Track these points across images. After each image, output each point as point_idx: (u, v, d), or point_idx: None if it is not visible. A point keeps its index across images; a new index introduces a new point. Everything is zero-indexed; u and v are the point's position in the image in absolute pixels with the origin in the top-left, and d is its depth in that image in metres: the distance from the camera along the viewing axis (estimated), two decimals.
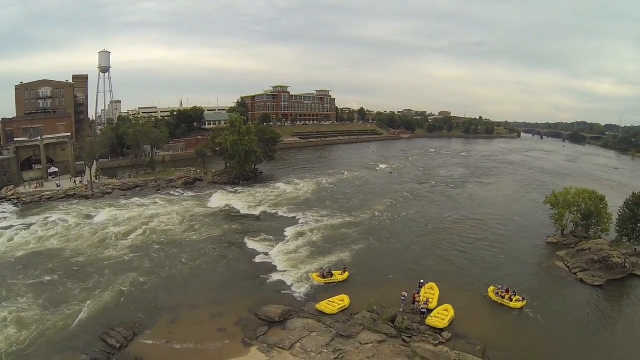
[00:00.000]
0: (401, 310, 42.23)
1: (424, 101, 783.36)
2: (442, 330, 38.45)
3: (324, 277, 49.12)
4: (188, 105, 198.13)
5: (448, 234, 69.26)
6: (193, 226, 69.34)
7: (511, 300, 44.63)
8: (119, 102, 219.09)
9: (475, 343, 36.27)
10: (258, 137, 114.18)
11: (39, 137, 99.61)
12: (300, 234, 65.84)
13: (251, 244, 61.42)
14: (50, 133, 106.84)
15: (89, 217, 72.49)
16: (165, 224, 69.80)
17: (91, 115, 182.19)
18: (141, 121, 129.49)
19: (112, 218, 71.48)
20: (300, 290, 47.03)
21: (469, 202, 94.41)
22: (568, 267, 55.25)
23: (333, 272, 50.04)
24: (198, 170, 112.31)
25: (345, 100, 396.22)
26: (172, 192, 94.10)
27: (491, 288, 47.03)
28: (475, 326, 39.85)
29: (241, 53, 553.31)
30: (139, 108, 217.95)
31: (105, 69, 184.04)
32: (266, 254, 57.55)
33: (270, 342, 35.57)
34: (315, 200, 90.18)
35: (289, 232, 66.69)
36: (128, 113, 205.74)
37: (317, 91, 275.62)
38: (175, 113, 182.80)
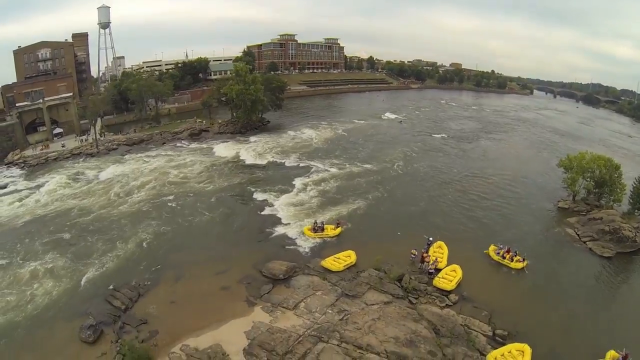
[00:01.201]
0: (409, 269, 41.70)
1: (434, 52, 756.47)
2: (449, 292, 37.94)
3: (315, 231, 48.36)
4: (193, 57, 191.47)
5: (457, 190, 67.87)
6: (198, 178, 68.48)
7: (512, 260, 44.17)
8: (123, 57, 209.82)
9: (482, 307, 35.84)
10: (264, 85, 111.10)
11: (41, 100, 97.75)
12: (308, 185, 65.15)
13: (257, 195, 60.79)
14: (52, 95, 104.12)
15: (95, 174, 71.58)
16: (170, 177, 68.93)
17: (94, 73, 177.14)
18: (144, 75, 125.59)
19: (117, 174, 70.61)
20: (305, 245, 46.53)
21: (481, 158, 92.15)
22: (578, 234, 53.87)
23: (325, 226, 49.31)
24: (204, 122, 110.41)
25: (354, 50, 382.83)
26: (178, 145, 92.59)
27: (492, 247, 46.32)
28: (481, 288, 39.24)
29: (247, 2, 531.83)
30: (143, 62, 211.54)
31: (105, 25, 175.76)
32: (272, 205, 57.00)
33: (274, 301, 35.12)
34: (324, 150, 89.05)
35: (297, 182, 66.05)
36: (132, 68, 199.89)
37: (325, 39, 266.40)
38: (179, 65, 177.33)
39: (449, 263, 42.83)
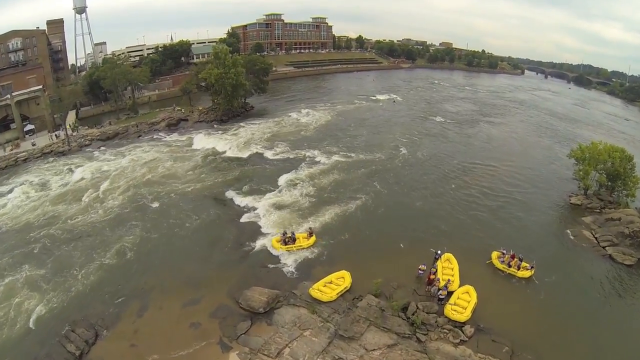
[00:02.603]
0: (415, 290, 35.88)
1: (423, 31, 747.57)
2: (463, 324, 31.77)
3: (285, 243, 41.90)
4: (178, 40, 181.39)
5: (460, 185, 61.51)
6: (173, 178, 61.20)
7: (518, 268, 39.26)
8: (104, 43, 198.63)
9: (502, 342, 30.24)
10: (247, 68, 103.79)
11: (8, 95, 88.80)
12: (294, 183, 58.23)
13: (236, 197, 53.58)
14: (21, 88, 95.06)
15: (63, 177, 64.01)
16: (142, 177, 61.76)
17: (73, 61, 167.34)
18: (119, 62, 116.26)
19: (87, 176, 63.38)
20: (289, 263, 39.89)
21: (482, 145, 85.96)
22: (595, 237, 48.04)
23: (296, 236, 42.97)
24: (182, 110, 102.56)
25: (342, 29, 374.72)
26: (154, 137, 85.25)
27: (495, 253, 41.58)
28: (497, 312, 33.65)
29: None
30: (125, 47, 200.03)
31: (81, 10, 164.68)
32: (253, 210, 50.06)
33: (253, 344, 28.73)
34: (313, 139, 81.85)
35: (282, 180, 59.19)
36: (114, 54, 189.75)
37: (312, 18, 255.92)
38: (160, 49, 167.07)
39: (460, 281, 36.98)
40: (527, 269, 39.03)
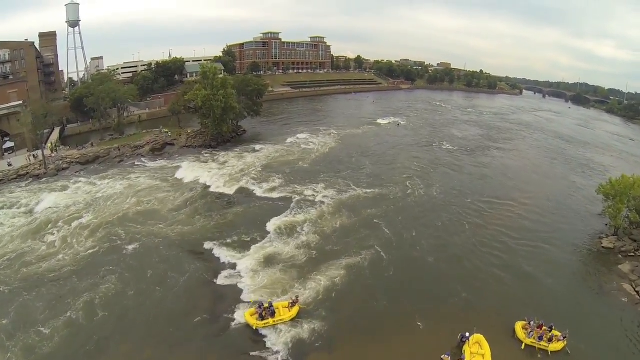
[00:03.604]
0: None
1: (421, 51, 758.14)
2: None
3: (261, 317, 33.34)
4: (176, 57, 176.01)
5: (476, 230, 53.35)
6: (148, 216, 52.86)
7: (550, 340, 32.51)
8: (101, 58, 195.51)
9: None
10: (240, 89, 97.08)
11: None
12: (287, 230, 49.49)
13: (217, 250, 44.49)
14: (2, 103, 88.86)
15: (29, 208, 56.33)
16: (115, 212, 53.83)
17: (72, 75, 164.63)
18: (103, 79, 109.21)
19: (57, 206, 55.57)
20: (278, 347, 31.31)
21: (494, 177, 78.96)
22: (637, 291, 40.94)
23: (275, 307, 34.43)
24: (169, 132, 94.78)
25: (340, 49, 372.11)
26: (136, 163, 77.23)
27: (519, 324, 34.34)
28: None
29: (233, 1, 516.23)
30: (122, 63, 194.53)
31: (74, 23, 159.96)
32: (235, 267, 41.10)
33: None
34: (310, 171, 73.78)
35: (271, 225, 50.34)
36: (109, 69, 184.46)
37: (311, 38, 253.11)
38: (153, 66, 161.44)
39: None
40: (559, 340, 32.46)
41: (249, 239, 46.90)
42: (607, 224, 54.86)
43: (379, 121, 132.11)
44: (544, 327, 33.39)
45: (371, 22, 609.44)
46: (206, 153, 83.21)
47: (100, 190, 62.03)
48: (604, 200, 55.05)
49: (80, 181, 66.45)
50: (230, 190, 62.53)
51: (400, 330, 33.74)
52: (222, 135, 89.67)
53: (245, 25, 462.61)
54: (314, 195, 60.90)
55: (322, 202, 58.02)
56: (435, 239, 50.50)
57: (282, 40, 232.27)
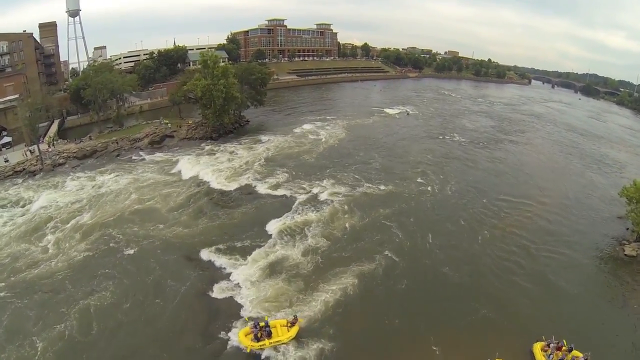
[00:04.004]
0: None
1: (428, 39, 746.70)
2: None
3: (257, 339, 29.72)
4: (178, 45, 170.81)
5: (493, 235, 49.16)
6: (145, 217, 49.37)
7: None
8: (104, 47, 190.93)
9: None
10: (243, 77, 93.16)
11: None
12: (290, 233, 45.64)
13: (215, 256, 40.71)
14: None
15: (22, 207, 53.34)
16: (111, 211, 50.54)
17: (75, 65, 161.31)
18: (100, 69, 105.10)
19: (51, 206, 52.36)
20: None
21: (510, 173, 74.83)
22: None
23: (272, 327, 30.80)
24: (169, 124, 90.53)
25: (347, 36, 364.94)
26: (133, 157, 73.75)
27: (538, 345, 31.24)
28: None
29: None
30: (127, 52, 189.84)
31: (74, 13, 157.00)
32: (231, 279, 37.24)
33: None
34: (316, 165, 69.97)
35: (274, 227, 46.40)
36: (111, 59, 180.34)
37: (317, 25, 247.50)
38: (154, 55, 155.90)
39: None
40: None
41: (250, 244, 43.18)
42: (628, 228, 52.03)
43: (388, 110, 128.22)
44: (564, 348, 30.27)
45: (378, 10, 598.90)
46: (207, 146, 79.49)
47: (95, 188, 58.52)
48: (626, 204, 51.68)
49: (76, 178, 62.88)
50: (231, 187, 58.81)
51: (414, 356, 30.33)
52: (223, 126, 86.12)
53: (250, 13, 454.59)
54: (320, 192, 57.11)
55: (329, 201, 54.16)
56: (452, 245, 46.46)
57: (288, 27, 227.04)
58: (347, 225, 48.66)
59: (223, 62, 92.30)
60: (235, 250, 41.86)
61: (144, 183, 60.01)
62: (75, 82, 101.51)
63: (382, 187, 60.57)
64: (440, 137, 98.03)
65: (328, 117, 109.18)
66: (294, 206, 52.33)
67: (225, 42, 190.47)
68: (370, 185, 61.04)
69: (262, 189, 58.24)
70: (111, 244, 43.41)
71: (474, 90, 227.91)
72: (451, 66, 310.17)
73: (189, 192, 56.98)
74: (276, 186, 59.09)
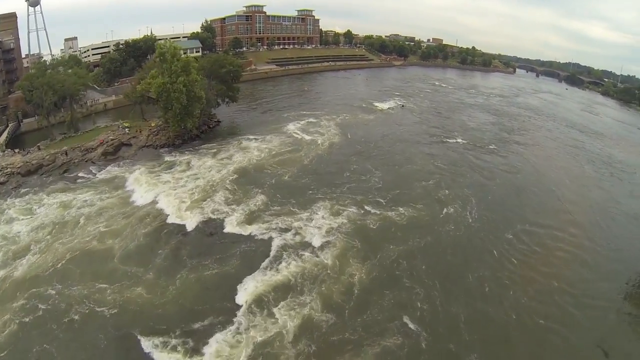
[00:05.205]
0: None
1: (411, 27, 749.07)
2: None
3: None
4: (152, 35, 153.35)
5: (528, 288, 38.76)
6: (66, 273, 36.06)
7: None
8: (75, 39, 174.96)
9: None
10: (212, 71, 79.70)
11: None
12: (266, 301, 32.90)
13: (156, 352, 27.75)
14: None
15: None
16: (31, 267, 37.07)
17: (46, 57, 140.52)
18: (44, 67, 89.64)
19: None
20: None
21: (529, 187, 64.80)
22: None
23: None
24: (128, 127, 75.81)
25: (329, 24, 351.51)
26: (82, 174, 58.91)
27: None
28: None
29: None
30: (102, 43, 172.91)
31: (34, 2, 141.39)
32: None
33: None
34: (297, 183, 56.76)
35: (245, 294, 33.43)
36: (80, 52, 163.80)
37: (298, 11, 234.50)
38: (121, 46, 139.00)
39: None
40: None
41: (210, 325, 30.24)
42: None
43: (378, 104, 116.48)
44: None
45: None
46: (168, 156, 65.55)
47: (30, 221, 44.86)
48: None
49: (12, 205, 48.83)
50: (192, 223, 45.04)
51: None
52: (188, 131, 72.16)
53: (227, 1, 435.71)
54: (308, 226, 44.43)
55: (321, 241, 41.63)
56: (478, 311, 34.91)
57: (267, 13, 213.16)
58: (348, 281, 36.41)
59: (191, 53, 77.59)
60: (190, 337, 29.00)
61: (85, 217, 45.97)
62: (20, 84, 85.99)
63: (389, 215, 48.58)
64: (441, 137, 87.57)
65: (312, 115, 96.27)
66: (273, 253, 39.37)
67: (200, 30, 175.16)
68: (372, 211, 48.98)
69: (231, 224, 44.55)
70: (40, 312, 31.32)
71: (462, 80, 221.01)
72: (437, 54, 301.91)
73: (139, 230, 43.20)
74: (250, 219, 45.68)
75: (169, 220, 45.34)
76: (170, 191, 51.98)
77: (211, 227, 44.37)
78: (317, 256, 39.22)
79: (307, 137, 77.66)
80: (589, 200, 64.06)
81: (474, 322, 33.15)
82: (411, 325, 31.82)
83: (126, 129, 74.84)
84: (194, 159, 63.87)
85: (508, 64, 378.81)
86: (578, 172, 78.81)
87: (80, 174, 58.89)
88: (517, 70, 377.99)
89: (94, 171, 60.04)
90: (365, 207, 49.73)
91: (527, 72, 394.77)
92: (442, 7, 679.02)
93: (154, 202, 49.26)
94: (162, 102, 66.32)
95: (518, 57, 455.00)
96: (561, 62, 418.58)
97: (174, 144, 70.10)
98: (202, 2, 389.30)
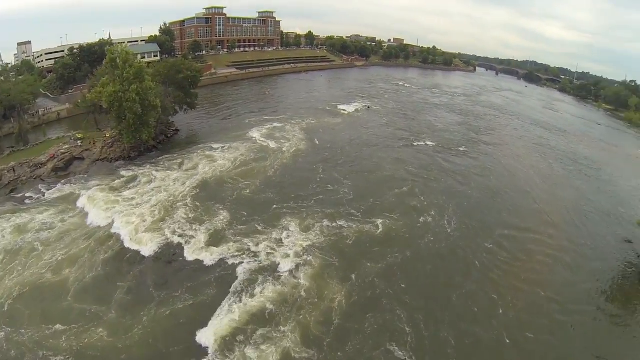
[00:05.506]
0: None
1: (372, 27, 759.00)
2: None
3: None
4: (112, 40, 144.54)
5: (515, 299, 37.36)
6: (9, 318, 31.10)
7: None
8: (29, 43, 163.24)
9: None
10: (168, 77, 74.64)
11: None
12: (236, 342, 28.89)
13: None
14: None
15: None
16: None
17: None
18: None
19: None
20: None
21: (503, 190, 64.33)
22: None
23: None
24: (81, 139, 69.29)
25: (290, 26, 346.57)
26: (27, 196, 52.41)
27: None
28: None
29: None
30: (56, 47, 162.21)
31: None
32: None
33: None
34: (264, 197, 52.57)
35: (210, 334, 29.21)
36: (33, 57, 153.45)
37: (259, 13, 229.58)
38: (76, 50, 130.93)
39: None
40: None
41: None
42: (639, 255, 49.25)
43: (342, 107, 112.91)
44: None
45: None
46: (124, 170, 59.96)
47: None
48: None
49: None
50: (150, 248, 40.18)
51: None
52: (144, 142, 67.06)
53: (188, 2, 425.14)
54: (277, 247, 40.72)
55: (292, 263, 38.10)
56: (466, 333, 32.47)
57: (228, 15, 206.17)
58: (327, 306, 33.25)
59: (149, 57, 71.71)
60: None
61: (37, 240, 40.87)
62: None
63: (364, 228, 45.58)
64: (411, 140, 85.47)
65: (275, 120, 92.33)
66: (243, 279, 35.46)
67: (158, 33, 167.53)
68: (345, 226, 45.82)
69: (195, 248, 40.04)
70: None
71: (425, 79, 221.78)
72: (398, 54, 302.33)
73: (96, 258, 38.28)
74: (212, 240, 41.37)
75: (125, 245, 40.57)
76: (127, 211, 46.92)
77: (171, 253, 39.83)
78: (291, 280, 35.88)
79: (272, 144, 73.56)
80: (562, 200, 64.27)
81: (463, 346, 30.90)
82: (397, 354, 29.04)
83: (79, 141, 68.77)
84: (152, 172, 58.69)
85: (468, 62, 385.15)
86: (547, 170, 79.19)
87: (28, 194, 52.75)
88: (478, 68, 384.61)
89: (43, 190, 53.87)
90: (338, 222, 46.55)
91: (486, 70, 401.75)
92: (402, 7, 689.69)
93: (110, 224, 44.20)
94: (114, 112, 60.98)
95: (478, 55, 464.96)
96: (519, 60, 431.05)
97: (129, 157, 64.66)
98: (162, 5, 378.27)
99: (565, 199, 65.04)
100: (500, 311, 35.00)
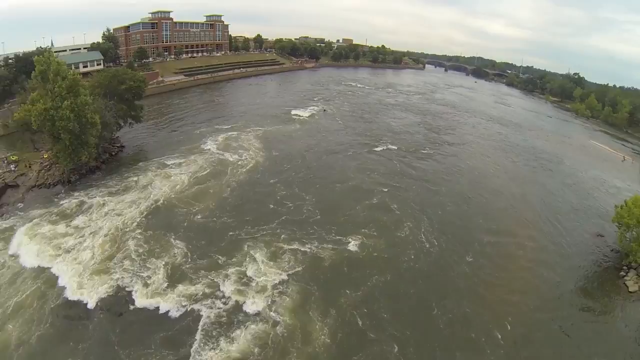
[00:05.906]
0: None
1: (321, 29, 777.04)
2: None
3: None
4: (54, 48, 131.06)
5: (504, 313, 35.66)
6: None
7: None
8: None
9: None
10: (110, 89, 67.92)
11: None
12: None
13: None
14: None
15: None
16: None
17: None
18: None
19: None
20: None
21: (474, 194, 62.72)
22: None
23: None
24: (16, 164, 61.45)
25: (238, 30, 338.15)
26: None
27: None
28: None
29: None
30: None
31: None
32: None
33: None
34: (221, 223, 47.13)
35: None
36: None
37: (206, 17, 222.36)
38: (10, 60, 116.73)
39: None
40: None
41: None
42: (613, 250, 49.87)
43: (297, 113, 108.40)
44: None
45: (269, 2, 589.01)
46: (64, 198, 52.76)
47: None
48: (618, 229, 48.64)
49: None
50: (95, 296, 34.04)
51: None
52: (84, 163, 60.01)
53: (134, 9, 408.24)
54: (239, 288, 35.68)
55: (259, 307, 33.51)
56: None
57: (174, 20, 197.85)
58: (311, 351, 29.22)
59: (92, 66, 64.18)
60: None
61: None
62: None
63: (337, 249, 41.81)
64: (372, 145, 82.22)
65: (228, 129, 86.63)
66: (200, 332, 30.31)
67: (101, 40, 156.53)
68: (316, 249, 41.75)
69: (141, 295, 34.30)
70: None
71: (377, 79, 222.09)
72: (348, 54, 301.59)
73: (29, 311, 32.50)
74: (166, 283, 35.85)
75: (66, 295, 34.37)
76: (66, 251, 40.58)
77: (119, 302, 33.74)
78: (264, 326, 31.41)
79: (227, 156, 68.53)
80: (532, 197, 64.71)
81: None
82: None
83: (12, 165, 61.17)
84: (96, 198, 52.07)
85: (418, 60, 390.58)
86: (513, 168, 79.91)
87: None
88: (427, 65, 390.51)
89: None
90: (307, 245, 42.37)
91: (435, 67, 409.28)
92: (349, 8, 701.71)
93: (46, 269, 37.67)
94: (46, 132, 54.03)
95: (426, 53, 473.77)
96: (466, 56, 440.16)
97: (69, 181, 57.41)
98: (106, 10, 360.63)
99: (535, 196, 65.34)
100: (492, 334, 32.65)
